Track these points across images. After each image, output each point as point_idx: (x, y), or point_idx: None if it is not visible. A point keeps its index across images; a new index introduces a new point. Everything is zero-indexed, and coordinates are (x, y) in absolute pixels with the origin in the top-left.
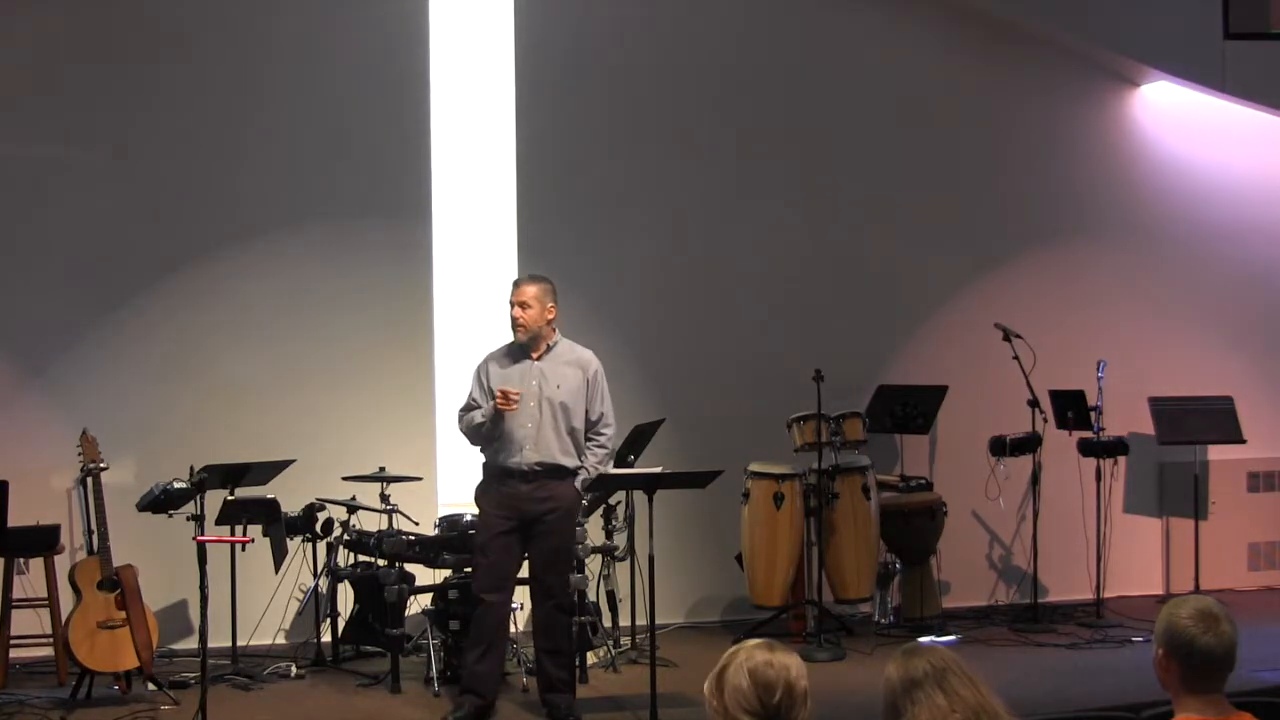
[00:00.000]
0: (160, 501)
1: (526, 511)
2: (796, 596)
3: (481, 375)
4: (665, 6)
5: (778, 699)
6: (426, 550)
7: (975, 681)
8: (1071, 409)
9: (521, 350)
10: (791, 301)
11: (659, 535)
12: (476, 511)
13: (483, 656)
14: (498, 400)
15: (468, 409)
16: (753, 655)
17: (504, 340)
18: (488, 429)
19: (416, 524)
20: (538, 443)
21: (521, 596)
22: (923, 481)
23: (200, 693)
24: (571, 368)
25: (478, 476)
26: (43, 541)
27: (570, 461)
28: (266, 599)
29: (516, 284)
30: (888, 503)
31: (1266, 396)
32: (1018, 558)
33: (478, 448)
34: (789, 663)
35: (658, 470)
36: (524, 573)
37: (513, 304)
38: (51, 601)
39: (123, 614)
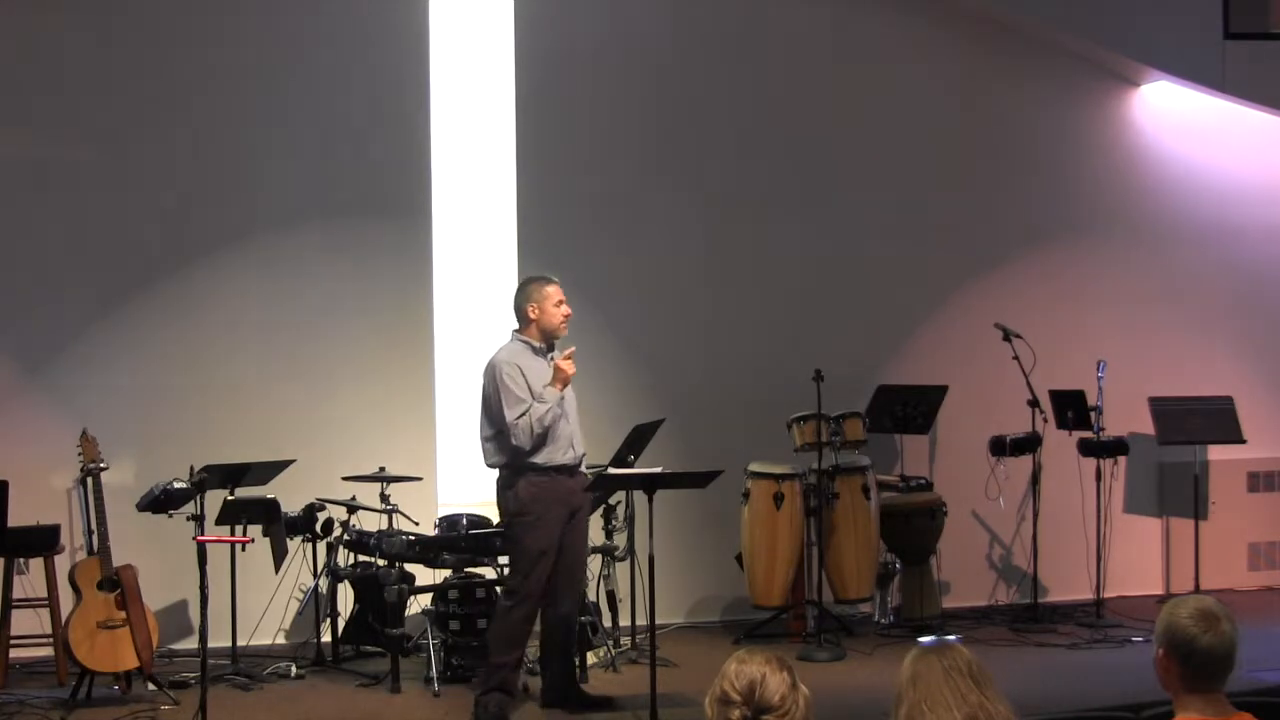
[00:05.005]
0: (160, 501)
1: (575, 506)
2: (796, 597)
3: (520, 374)
4: (665, 6)
5: (757, 696)
6: (426, 550)
7: (982, 685)
8: (1071, 409)
9: (539, 350)
10: (792, 301)
11: (659, 535)
12: (528, 516)
13: (522, 657)
14: (565, 366)
15: (524, 412)
16: (735, 660)
17: (504, 340)
18: (554, 415)
19: (416, 524)
20: (576, 436)
21: None
22: (923, 481)
23: (200, 693)
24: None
25: (478, 476)
26: (43, 541)
27: None
28: (266, 599)
29: (557, 284)
30: (888, 503)
31: (1266, 396)
32: (1018, 558)
33: (530, 449)
34: (766, 664)
35: (658, 470)
36: None
37: (563, 302)
38: (51, 601)
39: (123, 614)
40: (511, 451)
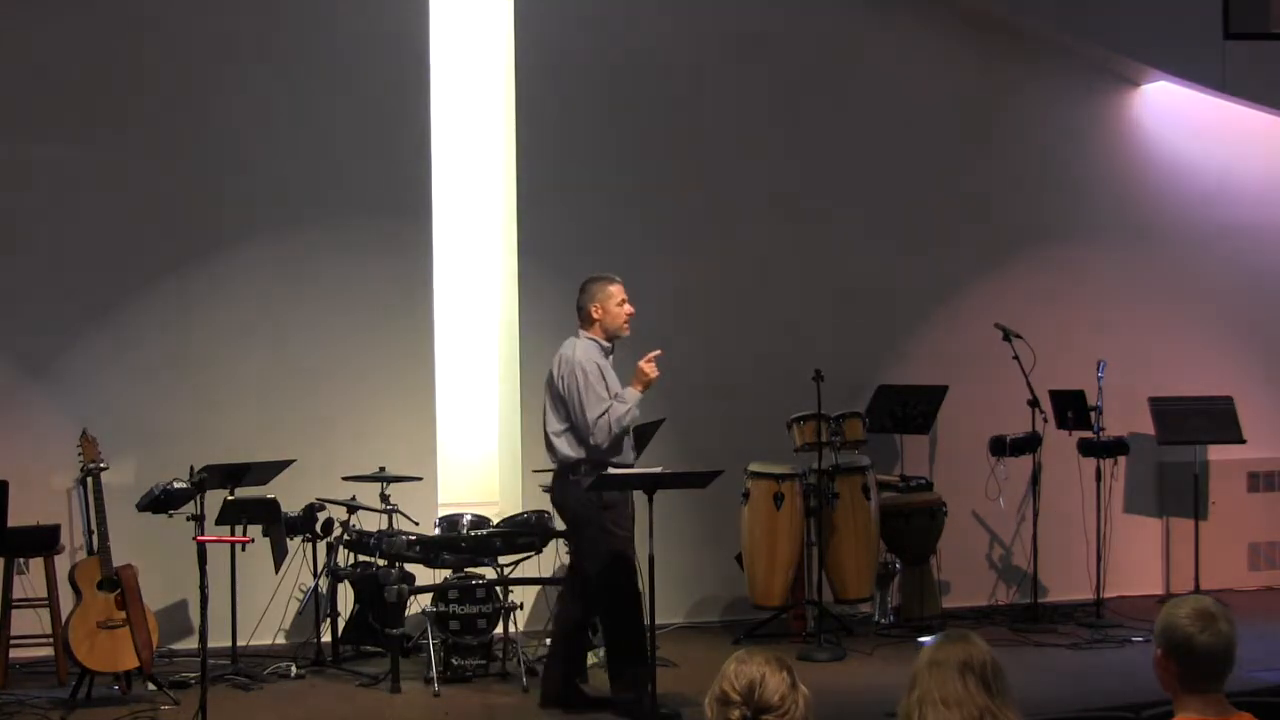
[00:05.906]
0: (160, 501)
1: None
2: (796, 596)
3: (601, 373)
4: (666, 7)
5: (757, 696)
6: (426, 550)
7: (993, 690)
8: (1071, 409)
9: (605, 349)
10: (791, 301)
11: (659, 535)
12: (613, 510)
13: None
14: (647, 369)
15: (604, 411)
16: (735, 660)
17: (511, 341)
18: (633, 417)
19: (416, 524)
20: (630, 440)
21: (524, 596)
22: (923, 481)
23: (200, 693)
24: None
25: (478, 476)
26: (43, 541)
27: None
28: (266, 599)
29: (620, 283)
30: (888, 503)
31: (1266, 396)
32: (1018, 558)
33: (607, 448)
34: (766, 664)
35: (658, 470)
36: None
37: (625, 301)
38: (51, 601)
39: (123, 614)
40: (588, 449)
